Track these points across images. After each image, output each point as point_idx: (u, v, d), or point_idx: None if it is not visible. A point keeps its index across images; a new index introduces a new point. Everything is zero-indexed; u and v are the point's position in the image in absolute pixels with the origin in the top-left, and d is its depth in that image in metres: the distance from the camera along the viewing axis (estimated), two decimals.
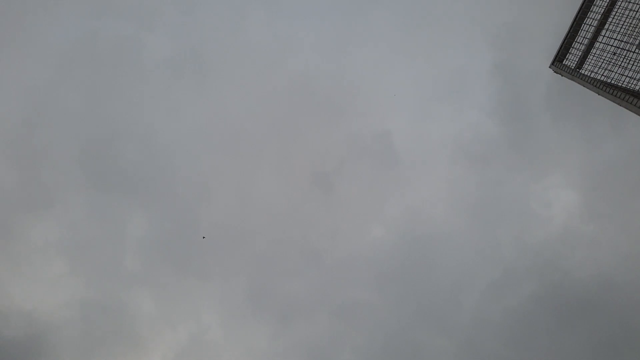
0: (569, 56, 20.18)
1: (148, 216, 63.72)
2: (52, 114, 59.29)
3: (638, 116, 15.42)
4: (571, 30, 19.93)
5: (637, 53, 16.84)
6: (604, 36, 18.70)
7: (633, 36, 17.07)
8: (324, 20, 76.18)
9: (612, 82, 18.43)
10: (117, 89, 62.83)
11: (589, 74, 19.13)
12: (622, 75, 17.61)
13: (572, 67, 19.45)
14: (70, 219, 59.33)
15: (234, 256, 67.23)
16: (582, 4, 19.80)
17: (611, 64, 18.14)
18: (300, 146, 70.46)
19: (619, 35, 17.98)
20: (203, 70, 66.95)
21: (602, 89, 16.78)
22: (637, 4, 17.28)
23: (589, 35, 19.21)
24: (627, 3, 17.71)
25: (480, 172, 66.79)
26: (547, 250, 59.45)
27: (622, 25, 17.91)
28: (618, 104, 15.74)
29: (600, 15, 19.05)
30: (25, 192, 57.50)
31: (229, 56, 68.47)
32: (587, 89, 17.96)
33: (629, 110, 15.14)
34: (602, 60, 18.55)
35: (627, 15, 17.93)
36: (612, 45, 18.16)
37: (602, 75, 18.78)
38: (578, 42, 19.78)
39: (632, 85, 17.77)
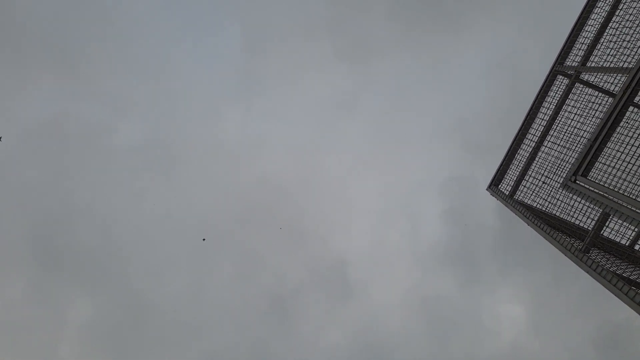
0: (505, 181, 20.85)
1: (94, 302, 60.28)
2: (7, 184, 57.81)
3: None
4: (506, 158, 20.77)
5: (560, 192, 17.44)
6: (535, 165, 19.50)
7: (557, 173, 17.79)
8: (296, 123, 79.42)
9: (543, 209, 18.96)
10: (81, 170, 62.39)
11: (522, 200, 19.70)
12: (551, 207, 18.14)
13: (506, 193, 19.99)
14: (8, 296, 55.66)
15: (183, 350, 63.24)
16: (518, 132, 20.86)
17: (541, 193, 18.74)
18: (263, 245, 69.65)
19: (550, 165, 18.77)
20: (172, 159, 67.58)
21: (529, 219, 17.11)
22: (563, 139, 18.23)
23: (522, 164, 20.01)
24: (557, 134, 18.70)
25: (435, 279, 67.29)
26: None
27: (550, 159, 18.77)
28: (543, 237, 15.96)
29: (534, 144, 20.02)
30: None
31: (200, 149, 69.70)
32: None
33: (552, 245, 15.32)
34: (533, 189, 19.17)
35: (555, 150, 18.88)
36: (542, 177, 18.88)
37: (535, 202, 19.37)
38: (512, 170, 20.53)
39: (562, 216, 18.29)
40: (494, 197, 21.40)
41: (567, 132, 18.28)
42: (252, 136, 74.97)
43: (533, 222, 16.76)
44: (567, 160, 18.40)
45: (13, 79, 59.78)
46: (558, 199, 18.11)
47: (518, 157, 20.41)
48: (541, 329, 63.24)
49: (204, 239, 57.32)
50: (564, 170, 18.17)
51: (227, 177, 71.70)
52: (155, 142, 67.66)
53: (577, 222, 17.74)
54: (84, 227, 60.81)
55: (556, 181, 18.10)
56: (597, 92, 18.19)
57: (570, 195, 17.38)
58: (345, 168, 78.82)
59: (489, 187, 21.18)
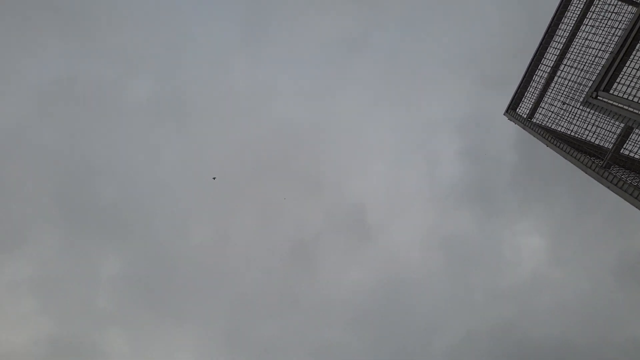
0: (523, 105, 20.50)
1: (123, 255, 62.60)
2: (27, 149, 58.82)
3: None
4: (524, 80, 20.31)
5: (581, 110, 17.11)
6: (552, 89, 19.07)
7: (578, 92, 17.38)
8: (305, 68, 77.87)
9: (562, 130, 18.72)
10: (97, 129, 62.85)
11: (540, 123, 19.42)
12: (569, 127, 17.88)
13: (524, 117, 19.71)
14: (42, 255, 58.02)
15: (211, 297, 65.86)
16: (535, 53, 20.28)
17: (559, 115, 18.42)
18: (281, 194, 70.40)
19: (567, 89, 18.33)
20: (184, 113, 67.51)
21: (549, 140, 16.94)
22: (580, 62, 17.69)
23: (540, 86, 19.58)
24: (574, 57, 18.15)
25: (454, 217, 67.74)
26: (516, 293, 60.37)
27: (570, 79, 18.29)
28: (563, 156, 15.86)
29: (550, 68, 19.48)
30: None
31: (210, 100, 69.30)
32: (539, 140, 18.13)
33: (573, 163, 15.25)
34: (551, 112, 18.84)
35: (575, 68, 18.35)
36: (560, 99, 18.50)
37: (553, 124, 19.09)
38: (530, 92, 20.13)
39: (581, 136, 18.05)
40: (512, 123, 21.14)
41: (587, 50, 17.71)
42: (262, 84, 74.04)
43: (552, 143, 16.61)
44: (587, 79, 17.94)
45: (21, 42, 59.29)
46: (578, 120, 17.82)
47: (536, 78, 19.94)
48: (562, 259, 64.05)
49: (214, 178, 57.96)
50: (583, 90, 17.76)
51: (240, 127, 71.65)
52: (166, 96, 67.50)
53: (597, 142, 17.56)
54: (106, 183, 62.19)
55: (576, 100, 17.74)
56: (617, 2, 17.43)
57: (591, 114, 17.10)
58: (358, 110, 77.89)
59: (507, 112, 20.89)
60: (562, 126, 18.56)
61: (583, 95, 17.75)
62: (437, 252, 68.05)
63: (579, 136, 18.32)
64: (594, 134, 17.43)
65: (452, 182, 70.39)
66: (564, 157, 15.91)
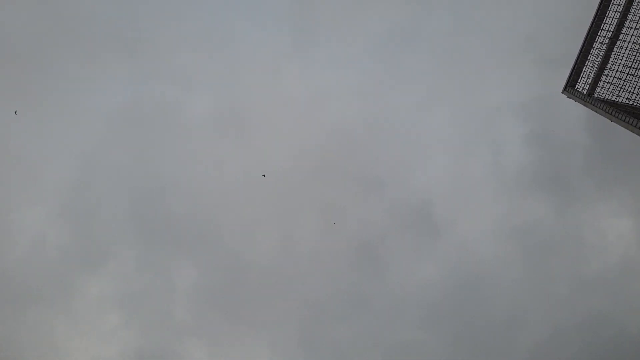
0: (581, 81, 19.56)
1: (197, 266, 65.51)
2: (102, 174, 63.32)
3: None
4: (580, 55, 19.39)
5: None
6: (612, 60, 18.07)
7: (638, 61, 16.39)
8: (357, 67, 77.92)
9: (628, 103, 17.68)
10: (162, 148, 66.47)
11: (603, 97, 18.45)
12: (632, 98, 16.86)
13: (584, 93, 18.80)
14: (123, 272, 62.05)
15: (283, 302, 67.30)
16: (590, 29, 19.30)
17: (622, 86, 17.43)
18: (342, 196, 70.75)
19: (625, 60, 17.32)
20: (243, 123, 69.71)
21: (611, 114, 16.07)
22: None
23: (598, 60, 18.62)
24: (630, 30, 17.14)
25: (526, 205, 64.76)
26: (605, 281, 56.33)
27: (628, 49, 17.28)
28: (630, 130, 15.01)
29: (608, 40, 18.48)
30: (80, 249, 60.96)
31: (267, 109, 71.09)
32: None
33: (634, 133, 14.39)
34: (613, 84, 17.86)
35: (631, 41, 17.30)
36: (620, 70, 17.50)
37: (618, 97, 18.06)
38: (588, 68, 19.18)
39: None
40: (573, 101, 20.22)
41: None
42: (315, 87, 74.96)
43: (616, 116, 15.76)
44: None
45: (89, 72, 63.98)
46: None
47: (594, 52, 18.98)
48: None
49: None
50: None
51: (297, 132, 72.91)
52: (225, 109, 70.07)
53: None
54: (176, 199, 65.44)
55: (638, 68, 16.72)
56: None
57: None
58: (414, 104, 76.60)
59: (565, 89, 20.01)
60: (626, 98, 17.56)
61: None
62: (511, 243, 65.31)
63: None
64: None
65: (520, 169, 67.22)
66: (630, 130, 15.07)
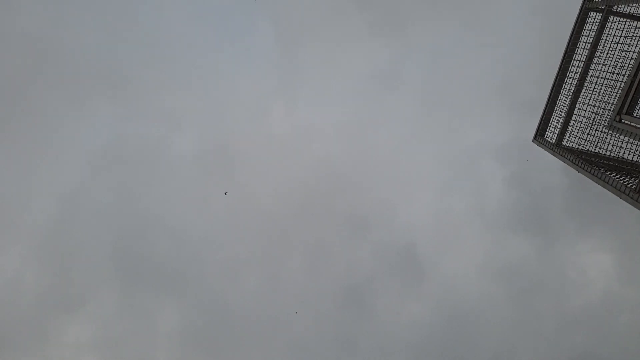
0: (550, 130, 20.25)
1: (179, 308, 64.23)
2: (83, 213, 62.50)
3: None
4: (547, 106, 20.15)
5: (605, 133, 16.80)
6: (578, 109, 18.82)
7: (600, 114, 17.11)
8: (341, 107, 79.57)
9: (595, 152, 18.32)
10: (146, 186, 66.16)
11: (571, 146, 19.09)
12: (602, 147, 17.51)
13: (553, 142, 19.45)
14: (102, 316, 60.49)
15: (269, 344, 66.08)
16: (556, 78, 20.14)
17: (589, 136, 18.10)
18: (328, 236, 70.82)
19: (591, 107, 18.05)
20: (228, 162, 69.97)
21: (578, 165, 16.62)
22: (603, 77, 17.48)
23: (564, 110, 19.36)
24: (594, 80, 17.96)
25: (509, 244, 65.64)
26: (589, 317, 56.71)
27: (594, 97, 18.05)
28: (594, 181, 15.51)
29: (574, 87, 19.27)
30: (57, 292, 59.50)
31: (252, 148, 71.66)
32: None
33: (605, 188, 14.87)
34: (580, 134, 18.55)
35: (598, 88, 18.10)
36: (586, 117, 18.22)
37: (585, 145, 18.70)
38: (555, 117, 19.92)
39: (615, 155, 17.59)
40: (541, 149, 20.86)
41: (608, 69, 17.50)
42: (301, 126, 76.01)
43: (582, 168, 16.30)
44: (612, 97, 17.63)
45: (73, 110, 64.05)
46: (610, 138, 17.42)
47: (559, 103, 19.76)
48: (637, 275, 60.04)
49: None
50: (610, 110, 17.44)
51: (283, 171, 73.37)
52: (210, 148, 70.42)
53: (632, 159, 17.07)
54: (159, 238, 64.71)
55: (605, 119, 17.41)
56: (634, 22, 17.26)
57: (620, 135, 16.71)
58: (397, 143, 78.05)
59: (535, 138, 20.68)
60: (596, 145, 18.19)
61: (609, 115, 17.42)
62: (496, 282, 65.75)
63: (614, 155, 17.87)
64: (628, 154, 16.99)
65: (501, 209, 68.46)
66: (595, 182, 15.57)
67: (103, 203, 63.64)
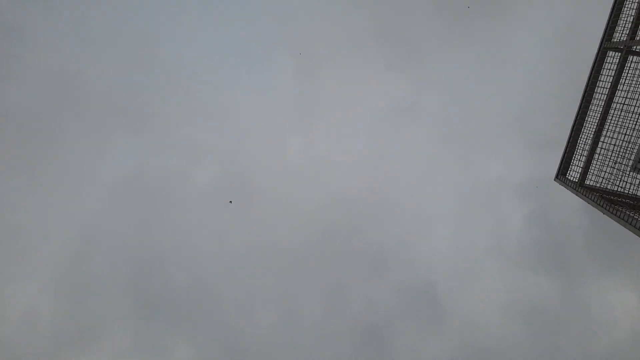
0: (572, 169, 20.00)
1: (195, 342, 63.52)
2: (100, 246, 63.15)
3: None
4: (569, 145, 19.96)
5: (632, 176, 16.53)
6: (601, 148, 18.58)
7: (626, 156, 16.89)
8: (359, 142, 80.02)
9: (617, 191, 17.96)
10: (164, 219, 66.76)
11: (594, 185, 18.77)
12: (625, 188, 17.17)
13: (575, 181, 19.16)
14: (117, 350, 60.03)
15: None
16: (576, 117, 20.02)
17: (613, 176, 17.81)
18: (346, 273, 70.01)
19: (616, 148, 17.83)
20: (247, 195, 70.43)
21: (601, 206, 16.30)
22: (622, 125, 17.34)
23: (586, 150, 19.14)
24: (615, 120, 17.82)
25: (531, 282, 63.90)
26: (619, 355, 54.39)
27: (617, 139, 17.84)
28: (616, 221, 15.17)
29: (595, 127, 19.09)
30: (74, 326, 59.50)
31: (271, 180, 72.15)
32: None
33: (628, 229, 14.53)
34: (603, 175, 18.26)
35: (621, 127, 17.92)
36: (608, 157, 17.98)
37: (609, 185, 18.37)
38: (577, 157, 19.69)
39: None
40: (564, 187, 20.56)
41: (629, 109, 17.37)
42: (319, 159, 76.45)
43: (605, 208, 15.98)
44: (635, 137, 17.45)
45: (94, 143, 65.61)
46: (634, 179, 17.14)
47: (581, 142, 19.57)
48: None
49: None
50: (633, 149, 17.23)
51: (301, 204, 73.43)
52: (228, 181, 71.07)
53: None
54: (175, 271, 64.73)
55: (628, 159, 17.17)
56: None
57: None
58: (414, 176, 77.75)
59: (557, 177, 20.42)
60: (618, 186, 17.84)
61: (633, 155, 17.20)
62: (519, 321, 63.63)
63: (636, 193, 17.51)
64: None
65: (522, 246, 66.96)
66: (618, 222, 15.22)
67: (121, 235, 64.38)
